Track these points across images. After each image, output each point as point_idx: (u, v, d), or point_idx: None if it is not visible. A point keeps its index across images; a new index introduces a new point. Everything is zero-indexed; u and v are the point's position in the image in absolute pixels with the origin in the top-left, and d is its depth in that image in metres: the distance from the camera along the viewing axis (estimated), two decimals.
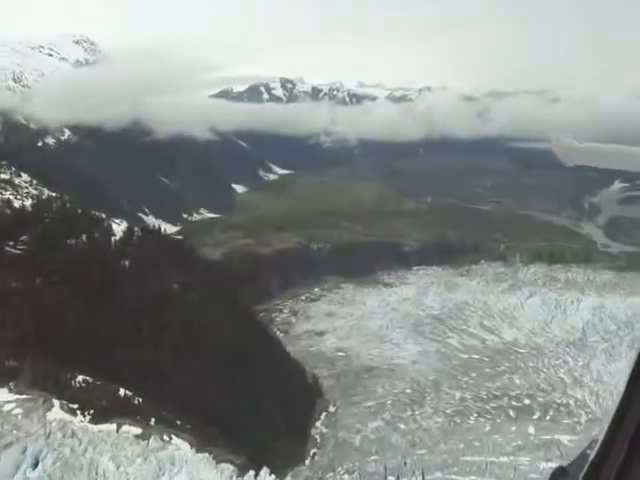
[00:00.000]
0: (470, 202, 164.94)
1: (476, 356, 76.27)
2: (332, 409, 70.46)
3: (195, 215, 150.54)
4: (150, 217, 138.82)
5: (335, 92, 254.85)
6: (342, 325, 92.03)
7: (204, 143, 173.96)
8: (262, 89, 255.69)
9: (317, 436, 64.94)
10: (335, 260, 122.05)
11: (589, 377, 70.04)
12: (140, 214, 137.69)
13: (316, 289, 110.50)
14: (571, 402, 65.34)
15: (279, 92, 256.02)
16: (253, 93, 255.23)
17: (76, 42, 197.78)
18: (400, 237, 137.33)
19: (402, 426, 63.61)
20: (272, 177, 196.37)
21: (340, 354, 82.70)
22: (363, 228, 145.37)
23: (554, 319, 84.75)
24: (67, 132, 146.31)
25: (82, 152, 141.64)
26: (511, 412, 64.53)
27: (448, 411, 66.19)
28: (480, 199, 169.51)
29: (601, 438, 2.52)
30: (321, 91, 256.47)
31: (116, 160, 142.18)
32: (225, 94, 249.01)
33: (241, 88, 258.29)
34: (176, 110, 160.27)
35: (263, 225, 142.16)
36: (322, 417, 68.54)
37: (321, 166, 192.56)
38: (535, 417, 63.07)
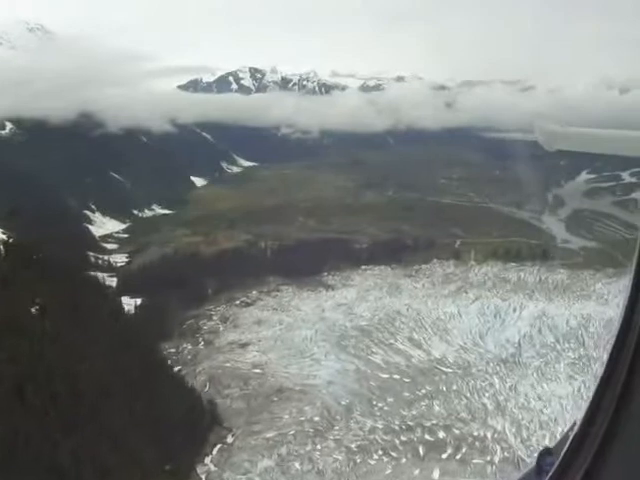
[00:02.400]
0: (433, 195, 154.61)
1: (397, 376, 66.38)
2: (230, 440, 60.62)
3: (146, 211, 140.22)
4: (97, 214, 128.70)
5: (305, 82, 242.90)
6: (268, 336, 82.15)
7: (162, 136, 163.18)
8: (231, 79, 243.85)
9: (203, 475, 55.12)
10: (281, 260, 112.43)
11: (514, 403, 60.11)
12: (86, 211, 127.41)
13: (254, 292, 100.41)
14: (489, 435, 55.55)
15: (248, 82, 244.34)
16: (223, 83, 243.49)
17: (30, 30, 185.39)
18: (354, 233, 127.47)
19: (296, 466, 53.75)
20: (235, 169, 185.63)
21: (256, 371, 72.84)
22: (317, 224, 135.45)
23: (490, 331, 74.80)
24: (9, 125, 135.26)
25: (24, 146, 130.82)
26: (421, 449, 54.72)
27: (352, 445, 56.38)
28: (444, 192, 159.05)
29: (581, 417, 2.63)
30: (291, 81, 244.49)
31: (63, 155, 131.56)
32: (194, 84, 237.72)
33: (211, 78, 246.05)
34: (129, 102, 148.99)
35: (215, 221, 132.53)
36: (215, 451, 58.69)
37: (287, 158, 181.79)
38: (445, 456, 53.30)
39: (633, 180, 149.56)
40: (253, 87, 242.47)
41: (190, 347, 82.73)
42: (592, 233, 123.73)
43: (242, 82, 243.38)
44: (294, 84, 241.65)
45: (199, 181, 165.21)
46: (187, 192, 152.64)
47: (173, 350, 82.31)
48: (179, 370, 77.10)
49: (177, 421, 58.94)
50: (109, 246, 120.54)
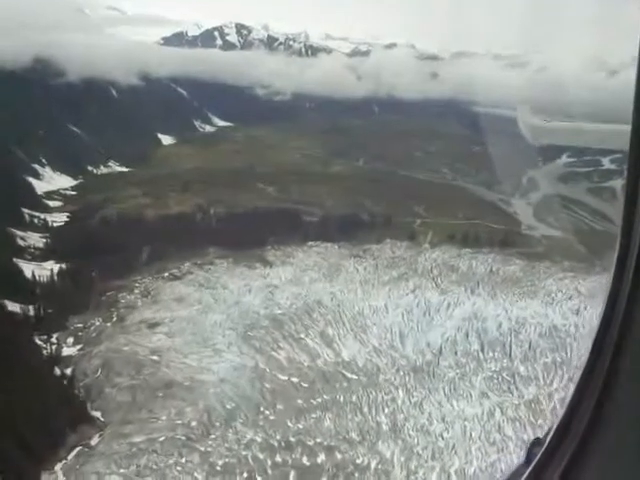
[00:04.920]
0: (404, 168, 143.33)
1: (295, 379, 57.42)
2: (94, 442, 52.10)
3: (102, 168, 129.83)
4: (47, 169, 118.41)
5: (292, 42, 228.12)
6: (182, 316, 73.35)
7: (131, 89, 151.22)
8: (216, 34, 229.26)
9: None
10: (227, 229, 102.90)
11: (413, 423, 51.05)
12: (35, 165, 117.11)
13: (187, 264, 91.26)
14: (372, 464, 46.71)
15: (233, 38, 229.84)
16: (208, 38, 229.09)
17: None
18: (311, 205, 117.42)
19: None
20: (209, 129, 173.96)
21: (153, 358, 64.22)
22: (276, 192, 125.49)
23: (412, 332, 65.37)
24: None
25: None
26: (292, 476, 45.74)
27: (219, 463, 47.80)
28: (417, 166, 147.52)
29: (565, 405, 2.66)
30: (277, 40, 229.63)
31: (12, 103, 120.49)
32: (179, 37, 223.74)
33: (196, 32, 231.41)
34: (96, 50, 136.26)
35: (171, 183, 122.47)
36: (71, 455, 50.17)
37: (264, 120, 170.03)
38: None
39: (612, 167, 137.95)
40: (238, 44, 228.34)
41: (98, 323, 74.19)
42: (559, 221, 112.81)
43: (227, 38, 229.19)
44: (280, 44, 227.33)
45: (166, 139, 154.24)
46: (150, 150, 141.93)
47: (80, 325, 73.74)
48: (80, 349, 69.23)
49: (40, 415, 50.65)
50: (52, 203, 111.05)
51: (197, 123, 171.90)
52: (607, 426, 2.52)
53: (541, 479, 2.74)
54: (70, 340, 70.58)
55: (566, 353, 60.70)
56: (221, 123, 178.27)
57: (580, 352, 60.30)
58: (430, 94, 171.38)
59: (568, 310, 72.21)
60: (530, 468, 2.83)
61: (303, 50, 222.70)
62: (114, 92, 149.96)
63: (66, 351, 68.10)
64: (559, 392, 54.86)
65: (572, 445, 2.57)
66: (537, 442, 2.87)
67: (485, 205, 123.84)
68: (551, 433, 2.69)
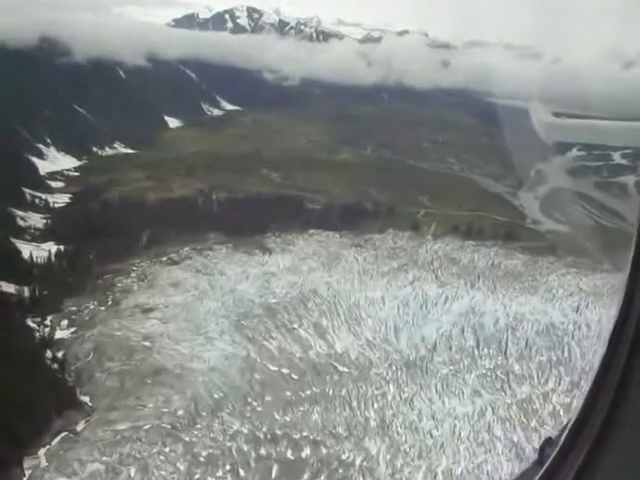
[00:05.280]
0: (412, 158, 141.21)
1: (286, 370, 56.38)
2: (80, 428, 51.48)
3: (107, 149, 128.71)
4: (51, 149, 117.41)
5: (303, 27, 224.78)
6: (177, 302, 72.52)
7: (139, 70, 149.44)
8: (227, 17, 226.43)
9: (28, 472, 46.01)
10: (229, 214, 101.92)
11: (402, 420, 49.89)
12: (39, 145, 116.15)
13: (186, 249, 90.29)
14: (358, 461, 45.66)
15: (244, 22, 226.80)
16: (219, 21, 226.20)
17: None
18: (315, 192, 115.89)
19: (124, 474, 44.29)
20: (216, 112, 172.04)
21: (145, 344, 63.49)
22: (281, 178, 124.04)
23: (407, 325, 64.07)
24: None
25: None
26: (275, 470, 44.95)
27: (202, 454, 47.02)
28: (424, 155, 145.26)
29: (579, 407, 2.64)
30: (288, 24, 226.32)
31: (19, 82, 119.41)
32: (190, 20, 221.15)
33: (208, 15, 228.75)
34: (101, 30, 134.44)
35: (175, 166, 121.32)
36: (56, 441, 49.56)
37: (273, 105, 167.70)
38: None
39: (623, 162, 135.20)
40: (249, 27, 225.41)
41: (93, 307, 73.55)
42: (566, 215, 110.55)
43: (238, 21, 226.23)
44: (291, 28, 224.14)
45: (173, 122, 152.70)
46: (156, 132, 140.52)
47: (74, 308, 73.06)
48: (74, 332, 68.58)
49: (27, 399, 50.04)
50: (54, 184, 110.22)
51: (205, 106, 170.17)
52: (622, 427, 2.45)
53: (556, 478, 2.65)
54: (64, 323, 69.96)
55: (562, 352, 59.27)
56: (229, 107, 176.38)
57: (576, 351, 58.91)
58: (441, 83, 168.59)
59: (568, 307, 70.55)
60: (543, 469, 2.73)
61: (314, 35, 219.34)
62: (121, 73, 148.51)
63: (59, 334, 67.53)
64: (553, 392, 53.53)
65: (586, 446, 2.49)
66: (549, 442, 2.79)
67: (491, 197, 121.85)
68: (565, 433, 2.62)
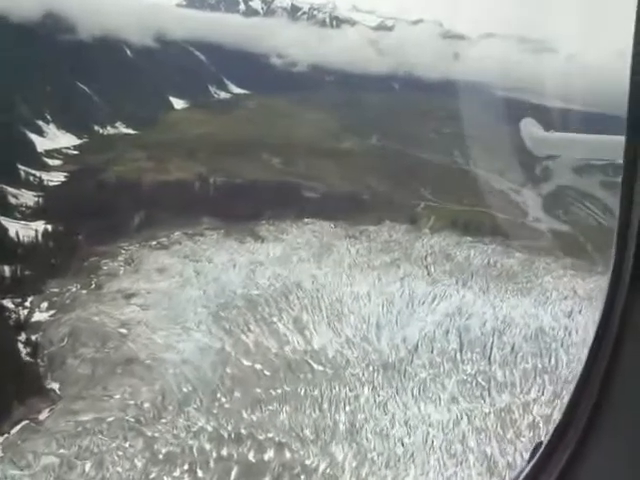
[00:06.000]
0: (417, 149, 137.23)
1: (259, 366, 53.90)
2: (42, 417, 49.44)
3: (109, 129, 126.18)
4: (51, 126, 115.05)
5: (315, 12, 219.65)
6: (160, 288, 70.22)
7: (145, 49, 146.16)
8: None
9: None
10: (224, 199, 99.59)
11: (373, 425, 47.27)
12: (39, 121, 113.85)
13: (177, 233, 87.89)
14: (321, 467, 43.31)
15: (257, 4, 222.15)
16: (231, 3, 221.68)
17: None
18: (314, 180, 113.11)
19: (79, 469, 42.19)
20: (223, 95, 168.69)
21: (121, 331, 61.32)
22: (282, 164, 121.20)
23: (390, 323, 61.25)
24: None
25: None
26: (234, 472, 42.59)
27: (162, 451, 44.85)
28: (430, 147, 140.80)
29: (564, 405, 2.67)
30: (300, 9, 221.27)
31: (21, 58, 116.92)
32: (202, 0, 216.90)
33: None
34: (107, 8, 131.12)
35: (176, 148, 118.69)
36: (15, 430, 47.69)
37: (281, 90, 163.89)
38: None
39: None
40: (261, 11, 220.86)
41: (75, 289, 71.43)
42: (568, 215, 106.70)
43: (250, 4, 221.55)
44: (303, 13, 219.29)
45: (178, 103, 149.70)
46: (161, 113, 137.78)
47: (56, 290, 70.97)
48: (52, 315, 66.53)
49: None
50: (51, 162, 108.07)
51: (212, 89, 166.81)
52: (605, 428, 2.49)
53: (540, 477, 2.70)
54: (44, 305, 67.94)
55: (549, 360, 56.25)
56: (237, 90, 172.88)
57: (563, 360, 55.90)
58: (451, 74, 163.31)
59: (560, 312, 67.46)
60: (528, 469, 2.79)
61: (327, 21, 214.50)
62: (128, 52, 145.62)
63: (37, 316, 65.54)
64: (534, 402, 50.64)
65: (570, 447, 2.54)
66: (539, 446, 2.78)
67: (493, 193, 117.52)
68: (549, 434, 2.63)
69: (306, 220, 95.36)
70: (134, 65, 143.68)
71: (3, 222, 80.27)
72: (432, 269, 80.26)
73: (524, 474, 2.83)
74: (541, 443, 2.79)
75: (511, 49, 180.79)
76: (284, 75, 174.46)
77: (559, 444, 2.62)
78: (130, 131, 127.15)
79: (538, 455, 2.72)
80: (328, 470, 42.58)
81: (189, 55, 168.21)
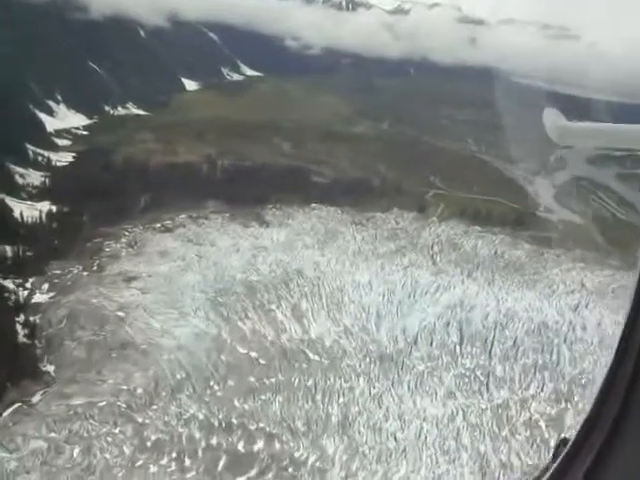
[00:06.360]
0: (429, 135, 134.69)
1: (254, 354, 53.03)
2: (35, 399, 49.07)
3: (119, 109, 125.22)
4: (61, 106, 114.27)
5: None
6: (161, 272, 69.46)
7: (158, 30, 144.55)
8: None
9: None
10: (231, 182, 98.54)
11: (366, 418, 46.26)
12: (49, 101, 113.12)
13: (182, 216, 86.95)
14: (310, 460, 42.50)
15: None
16: None
17: None
18: (323, 164, 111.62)
19: (67, 454, 41.76)
20: (236, 77, 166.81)
21: (119, 314, 60.69)
22: (291, 148, 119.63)
23: (391, 314, 59.98)
24: None
25: None
26: (222, 462, 41.96)
27: (151, 438, 44.39)
28: (443, 133, 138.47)
29: (592, 401, 2.60)
30: None
31: (32, 36, 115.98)
32: None
33: None
34: None
35: (186, 130, 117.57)
36: (7, 412, 47.30)
37: (296, 73, 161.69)
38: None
39: None
40: None
41: (77, 271, 70.92)
42: (581, 206, 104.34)
43: None
44: None
45: (191, 84, 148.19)
46: (172, 94, 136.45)
47: (58, 272, 70.48)
48: (52, 297, 66.00)
49: None
50: (60, 142, 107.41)
51: (225, 70, 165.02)
52: (634, 424, 2.43)
53: (566, 476, 2.67)
54: (45, 287, 67.52)
55: (550, 355, 54.73)
56: (250, 72, 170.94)
57: (565, 356, 54.35)
58: (468, 60, 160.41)
59: (566, 305, 65.72)
60: (555, 465, 2.74)
61: (343, 3, 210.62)
62: (141, 32, 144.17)
63: (38, 298, 65.11)
64: (532, 399, 49.26)
65: (598, 443, 2.48)
66: (564, 442, 2.72)
67: (505, 181, 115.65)
68: (576, 430, 2.56)
69: (313, 205, 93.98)
70: (147, 45, 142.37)
71: (8, 202, 79.79)
72: (438, 258, 78.73)
73: (549, 473, 2.74)
74: (565, 439, 2.71)
75: (531, 35, 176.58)
76: (298, 58, 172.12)
77: (587, 440, 2.52)
78: (141, 112, 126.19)
79: (565, 451, 2.61)
80: (317, 463, 41.68)
81: (202, 36, 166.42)
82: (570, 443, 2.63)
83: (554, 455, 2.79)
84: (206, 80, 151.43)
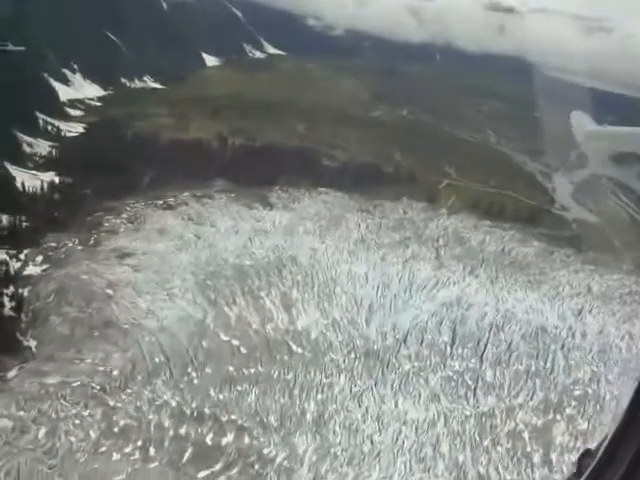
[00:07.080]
0: (448, 124, 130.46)
1: (236, 342, 51.15)
2: (10, 375, 47.84)
3: (137, 82, 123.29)
4: (77, 75, 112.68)
5: None
6: (157, 250, 67.86)
7: (181, 3, 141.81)
8: None
9: None
10: (240, 162, 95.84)
11: (343, 418, 44.17)
12: (65, 70, 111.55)
13: (185, 194, 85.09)
14: (279, 458, 40.58)
15: None
16: None
17: None
18: (336, 148, 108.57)
19: (31, 435, 40.37)
20: (258, 55, 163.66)
21: (107, 292, 59.17)
22: (306, 129, 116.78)
23: (383, 308, 57.52)
24: None
25: None
26: (187, 453, 40.19)
27: (120, 423, 42.85)
28: (464, 124, 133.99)
29: (621, 416, 2.53)
30: None
31: (53, 5, 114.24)
32: None
33: None
34: None
35: (201, 107, 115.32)
36: None
37: (318, 53, 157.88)
38: (202, 474, 38.51)
39: None
40: None
41: (71, 245, 69.40)
42: (598, 205, 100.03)
43: None
44: None
45: (211, 60, 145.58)
46: (192, 69, 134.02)
47: (53, 244, 69.14)
48: (45, 270, 64.64)
49: None
50: (72, 112, 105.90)
51: (247, 47, 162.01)
52: None
53: None
54: (39, 259, 66.16)
55: (545, 362, 51.91)
56: (272, 50, 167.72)
57: (560, 363, 51.46)
58: (495, 49, 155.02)
59: (568, 309, 62.66)
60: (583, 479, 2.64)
61: None
62: (164, 4, 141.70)
63: (30, 270, 63.76)
64: (520, 408, 46.60)
65: (626, 459, 2.40)
66: (588, 453, 2.66)
67: (522, 175, 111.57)
68: (604, 445, 2.48)
69: (320, 189, 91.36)
70: (168, 18, 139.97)
71: (12, 171, 78.61)
72: (442, 252, 75.88)
73: None
74: (589, 450, 2.63)
75: (563, 26, 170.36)
76: (321, 38, 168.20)
77: (615, 456, 2.41)
78: (157, 86, 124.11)
79: (592, 466, 2.53)
80: (285, 462, 39.76)
81: (226, 11, 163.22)
82: (599, 456, 2.48)
83: (577, 467, 2.66)
84: (227, 56, 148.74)
